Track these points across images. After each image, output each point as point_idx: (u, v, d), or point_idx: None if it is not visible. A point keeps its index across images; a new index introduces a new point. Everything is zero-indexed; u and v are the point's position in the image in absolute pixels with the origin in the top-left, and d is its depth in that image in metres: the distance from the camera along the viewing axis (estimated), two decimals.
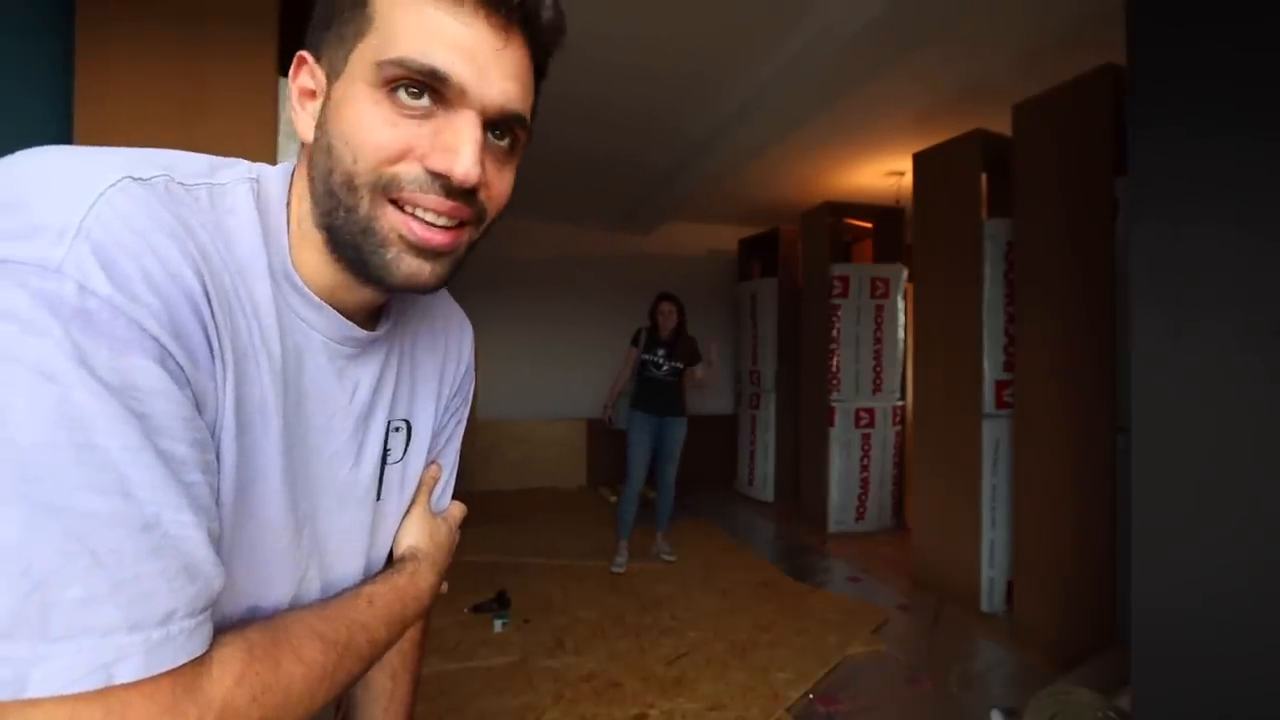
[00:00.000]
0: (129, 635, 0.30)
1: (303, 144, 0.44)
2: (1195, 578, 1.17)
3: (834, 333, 4.32)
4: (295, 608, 0.45)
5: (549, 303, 5.67)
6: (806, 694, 2.19)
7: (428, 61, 0.37)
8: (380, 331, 0.50)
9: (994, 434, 2.97)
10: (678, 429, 3.53)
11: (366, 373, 0.50)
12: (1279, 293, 1.05)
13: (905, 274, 4.39)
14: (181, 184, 0.37)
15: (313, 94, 0.42)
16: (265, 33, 1.52)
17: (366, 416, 0.50)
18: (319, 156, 0.41)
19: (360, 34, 0.39)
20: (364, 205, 0.39)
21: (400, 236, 0.40)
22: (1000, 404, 2.97)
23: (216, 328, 0.36)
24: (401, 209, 0.40)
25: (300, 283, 0.43)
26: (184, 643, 0.32)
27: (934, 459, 3.27)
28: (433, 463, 0.61)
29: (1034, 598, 2.62)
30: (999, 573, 2.96)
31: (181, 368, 0.33)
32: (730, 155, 3.72)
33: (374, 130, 0.38)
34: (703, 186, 4.34)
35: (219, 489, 0.37)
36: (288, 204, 0.44)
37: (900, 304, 4.44)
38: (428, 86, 0.38)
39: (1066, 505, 2.49)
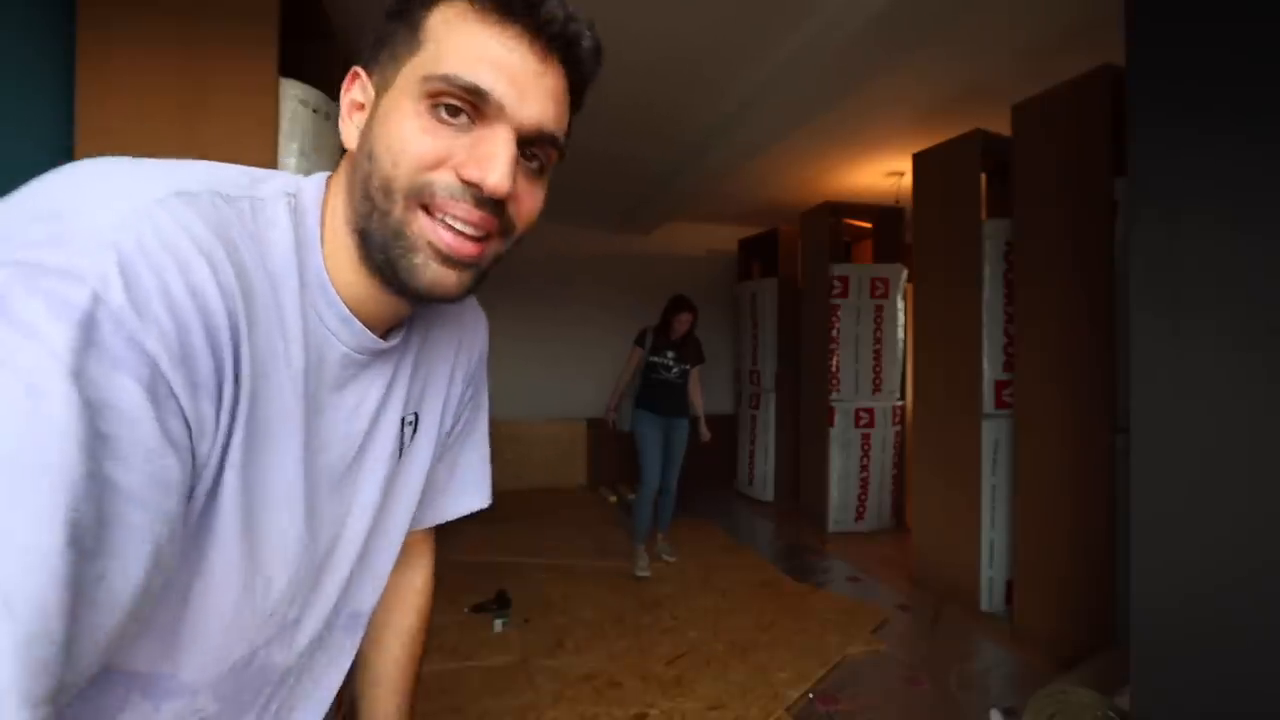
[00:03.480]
0: (29, 711, 0.25)
1: (345, 152, 0.46)
2: (1194, 577, 1.17)
3: (834, 333, 4.32)
4: None
5: (549, 303, 5.67)
6: (806, 694, 2.19)
7: (471, 79, 0.40)
8: (395, 341, 0.51)
9: (994, 434, 2.97)
10: (684, 430, 3.50)
11: (379, 378, 0.51)
12: (1277, 293, 1.06)
13: (905, 274, 4.39)
14: (226, 198, 0.38)
15: (361, 106, 0.44)
16: (266, 32, 1.52)
17: (377, 417, 0.51)
18: (361, 162, 0.42)
19: (411, 52, 0.41)
20: (398, 209, 0.41)
21: (429, 243, 0.42)
22: (1000, 404, 2.97)
23: (236, 351, 0.36)
24: (432, 216, 0.41)
25: (334, 293, 0.44)
26: None
27: (934, 459, 3.27)
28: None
29: (1034, 597, 2.62)
30: (999, 572, 2.96)
31: (174, 394, 0.32)
32: (730, 154, 3.71)
33: (414, 139, 0.40)
34: (702, 186, 4.33)
35: (198, 524, 0.37)
36: (322, 215, 0.45)
37: (900, 304, 4.43)
38: (468, 103, 0.40)
39: (1066, 505, 2.49)
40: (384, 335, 0.50)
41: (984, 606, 2.95)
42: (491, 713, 2.05)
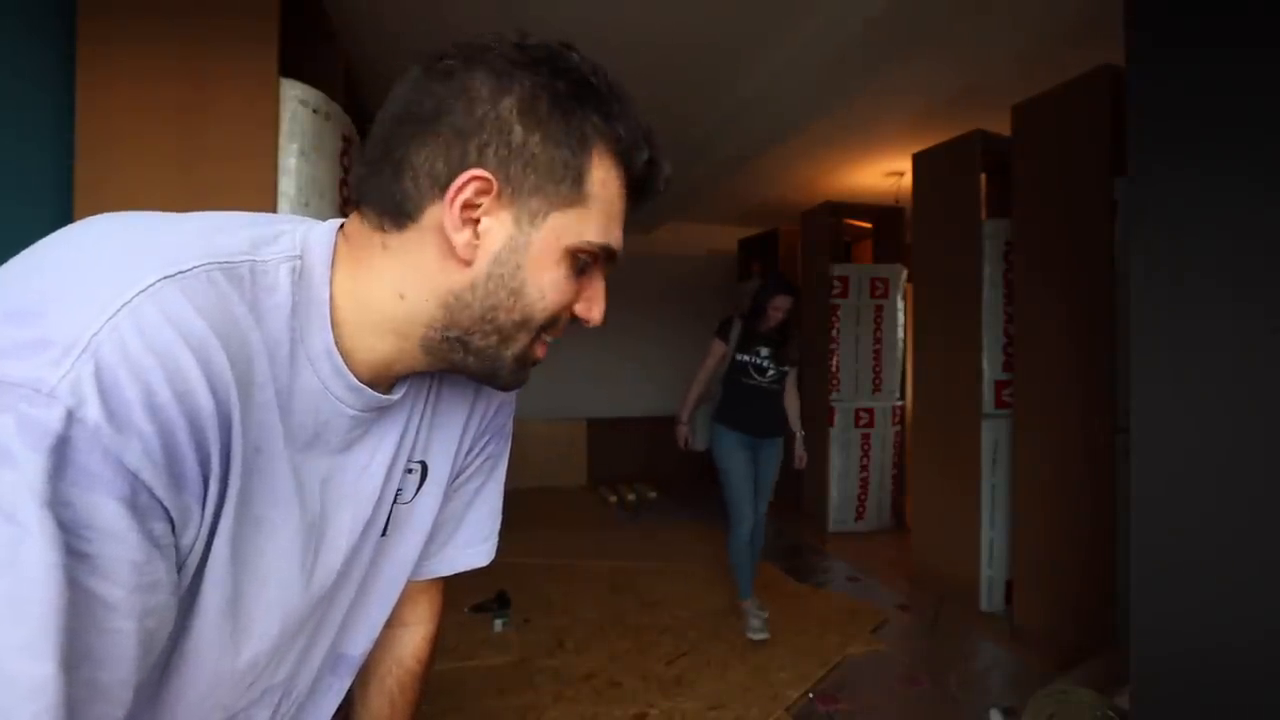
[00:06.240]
0: None
1: (397, 221, 0.43)
2: (1194, 577, 1.17)
3: (834, 333, 4.32)
4: None
5: None
6: (806, 694, 2.19)
7: (616, 247, 0.47)
8: (400, 394, 0.49)
9: (994, 434, 2.97)
10: (776, 451, 2.71)
11: (390, 432, 0.50)
12: (1278, 293, 1.06)
13: (905, 274, 4.39)
14: (224, 265, 0.36)
15: (473, 208, 0.42)
16: (266, 32, 1.53)
17: (390, 468, 0.50)
18: (493, 287, 0.43)
19: (570, 203, 0.43)
20: (524, 338, 0.46)
21: (535, 360, 0.49)
22: (1000, 404, 2.97)
23: (225, 440, 0.35)
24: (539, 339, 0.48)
25: (341, 364, 0.43)
26: None
27: (934, 459, 3.27)
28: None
29: (1033, 597, 2.62)
30: (998, 572, 2.96)
31: (158, 500, 0.31)
32: (730, 156, 3.71)
33: (564, 289, 0.45)
34: (702, 187, 4.33)
35: (185, 596, 0.37)
36: (333, 274, 0.43)
37: (900, 304, 4.44)
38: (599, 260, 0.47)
39: (1066, 505, 2.49)
40: (392, 386, 0.48)
41: (984, 606, 2.95)
42: (491, 713, 2.05)
